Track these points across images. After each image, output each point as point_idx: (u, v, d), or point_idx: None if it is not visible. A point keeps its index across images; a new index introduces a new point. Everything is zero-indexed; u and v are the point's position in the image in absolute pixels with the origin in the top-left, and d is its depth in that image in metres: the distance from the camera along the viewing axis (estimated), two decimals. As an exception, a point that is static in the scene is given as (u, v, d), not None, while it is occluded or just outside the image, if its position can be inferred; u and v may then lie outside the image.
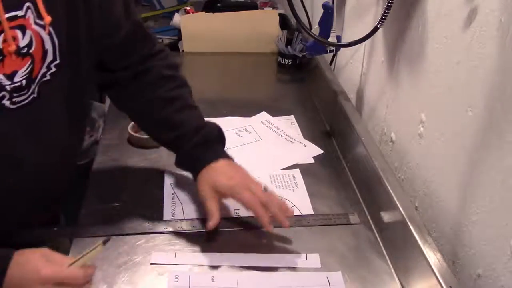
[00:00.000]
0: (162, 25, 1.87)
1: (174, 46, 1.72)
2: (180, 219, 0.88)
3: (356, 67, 1.23)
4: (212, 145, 0.87)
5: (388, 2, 0.88)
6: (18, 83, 0.69)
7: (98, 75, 0.87)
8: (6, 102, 0.69)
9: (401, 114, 0.97)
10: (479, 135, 0.69)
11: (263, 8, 1.81)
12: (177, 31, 1.72)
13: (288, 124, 1.24)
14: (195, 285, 0.74)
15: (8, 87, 0.68)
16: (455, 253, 0.76)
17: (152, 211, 0.90)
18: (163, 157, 1.05)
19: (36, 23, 0.68)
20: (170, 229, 0.85)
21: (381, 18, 0.92)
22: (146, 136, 1.08)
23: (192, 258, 0.79)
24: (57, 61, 0.73)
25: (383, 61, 1.05)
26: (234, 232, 0.86)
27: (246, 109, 1.28)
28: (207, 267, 0.78)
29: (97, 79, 0.89)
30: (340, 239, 0.85)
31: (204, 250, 0.81)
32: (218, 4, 1.73)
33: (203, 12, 1.70)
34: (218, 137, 0.89)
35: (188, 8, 1.74)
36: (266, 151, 1.12)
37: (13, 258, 0.67)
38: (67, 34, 0.74)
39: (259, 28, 1.68)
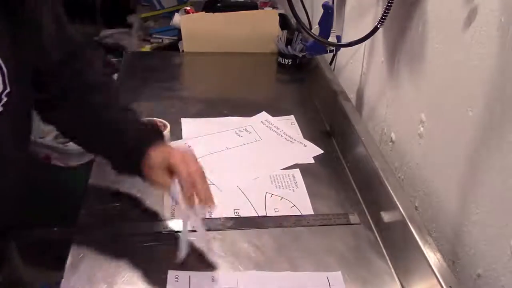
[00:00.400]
0: (162, 25, 1.87)
1: (174, 46, 1.72)
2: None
3: (356, 67, 1.23)
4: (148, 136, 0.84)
5: (388, 2, 0.88)
6: None
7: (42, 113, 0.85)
8: None
9: (401, 114, 0.97)
10: (479, 135, 0.69)
11: (263, 8, 1.81)
12: (177, 31, 1.72)
13: (288, 124, 1.24)
14: (195, 285, 0.74)
15: None
16: (455, 253, 0.76)
17: (152, 210, 0.90)
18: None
19: None
20: (170, 229, 0.85)
21: (381, 18, 0.92)
22: None
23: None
24: (8, 90, 0.70)
25: (383, 61, 1.05)
26: (235, 233, 0.86)
27: (246, 109, 1.28)
28: (207, 267, 0.78)
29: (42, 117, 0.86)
30: (340, 239, 0.85)
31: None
32: (218, 4, 1.73)
33: (203, 12, 1.70)
34: (155, 132, 0.87)
35: (188, 8, 1.73)
36: (266, 151, 1.12)
37: None
38: (13, 59, 0.70)
39: (259, 28, 1.68)
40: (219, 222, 0.87)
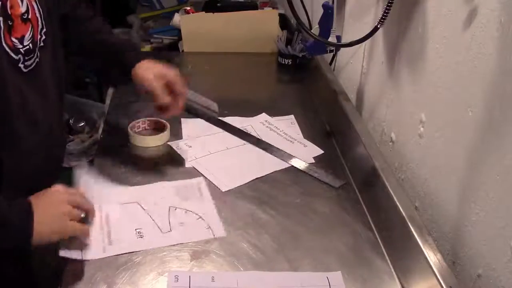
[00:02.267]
0: (162, 25, 1.87)
1: (174, 46, 1.72)
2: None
3: (356, 67, 1.23)
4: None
5: (388, 2, 0.88)
6: (27, 46, 0.79)
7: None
8: (21, 66, 0.78)
9: (401, 114, 0.97)
10: (479, 135, 0.69)
11: (263, 8, 1.81)
12: (177, 31, 1.72)
13: (288, 124, 1.24)
14: (195, 285, 0.74)
15: (22, 50, 0.77)
16: (455, 253, 0.76)
17: (152, 211, 0.90)
18: (163, 157, 1.05)
19: None
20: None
21: (381, 18, 0.92)
22: (146, 136, 1.08)
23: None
24: (44, 29, 0.83)
25: (383, 61, 1.05)
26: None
27: (246, 109, 1.28)
28: (207, 267, 0.78)
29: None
30: (340, 239, 0.85)
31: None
32: (218, 4, 1.73)
33: (203, 12, 1.70)
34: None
35: (188, 8, 1.74)
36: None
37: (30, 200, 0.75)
38: (45, 2, 0.84)
39: (259, 28, 1.68)
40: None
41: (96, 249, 0.79)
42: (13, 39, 0.76)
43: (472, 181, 0.71)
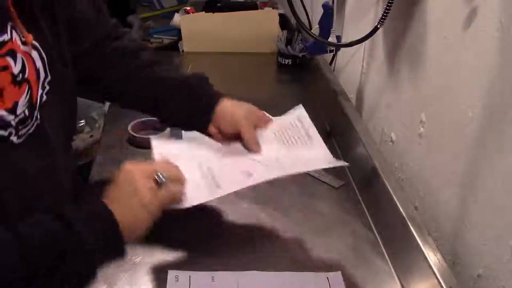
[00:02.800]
0: (162, 25, 1.87)
1: (174, 46, 1.73)
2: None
3: (356, 67, 1.23)
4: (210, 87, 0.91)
5: (388, 2, 0.88)
6: (21, 115, 0.62)
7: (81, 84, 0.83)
8: (14, 139, 0.62)
9: (401, 114, 0.97)
10: (479, 135, 0.69)
11: (263, 8, 1.81)
12: (177, 31, 1.72)
13: (288, 124, 1.24)
14: (195, 285, 0.74)
15: (13, 122, 0.61)
16: (455, 253, 0.76)
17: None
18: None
19: (22, 43, 0.62)
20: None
21: (381, 18, 0.92)
22: (146, 136, 1.08)
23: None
24: (49, 78, 0.68)
25: (383, 61, 1.05)
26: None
27: (246, 109, 1.28)
28: (207, 267, 0.78)
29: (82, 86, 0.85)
30: (340, 239, 0.85)
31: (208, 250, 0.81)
32: (218, 4, 1.74)
33: (203, 12, 1.71)
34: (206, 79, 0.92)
35: (188, 8, 1.74)
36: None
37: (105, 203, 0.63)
38: (52, 44, 0.69)
39: (259, 28, 1.68)
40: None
41: (203, 193, 0.73)
42: (2, 113, 0.59)
43: (472, 181, 0.71)
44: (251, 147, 0.83)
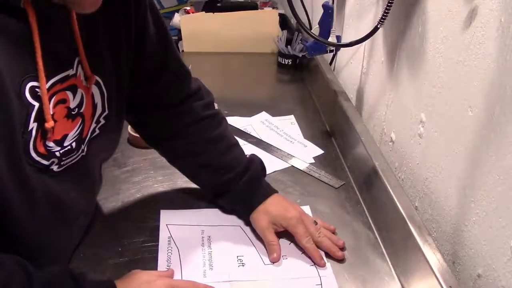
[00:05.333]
0: (162, 25, 1.87)
1: (174, 46, 1.72)
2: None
3: (356, 67, 1.23)
4: (261, 181, 0.88)
5: (388, 2, 0.88)
6: (68, 147, 0.63)
7: (132, 114, 0.84)
8: (55, 167, 0.62)
9: (401, 114, 0.97)
10: (479, 135, 0.69)
11: (263, 8, 1.81)
12: (177, 31, 1.73)
13: (288, 124, 1.24)
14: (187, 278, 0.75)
15: (58, 153, 0.61)
16: (455, 253, 0.76)
17: (152, 209, 0.90)
18: (163, 158, 1.05)
19: (85, 78, 0.64)
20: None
21: (381, 18, 0.92)
22: None
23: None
24: (106, 112, 0.69)
25: (383, 61, 1.05)
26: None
27: (246, 109, 1.28)
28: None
29: (130, 118, 0.87)
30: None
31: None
32: (218, 4, 1.74)
33: (203, 12, 1.71)
34: (263, 170, 0.90)
35: (188, 8, 1.74)
36: (266, 151, 1.12)
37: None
38: (115, 82, 0.70)
39: (259, 28, 1.69)
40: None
41: (196, 272, 0.76)
42: (49, 144, 0.59)
43: (472, 181, 0.71)
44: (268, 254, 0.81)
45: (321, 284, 0.75)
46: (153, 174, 1.00)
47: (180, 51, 1.69)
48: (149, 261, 0.78)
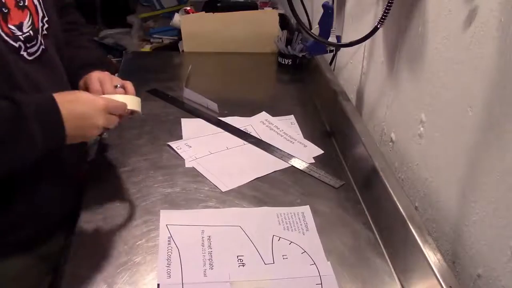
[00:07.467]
0: (162, 25, 1.87)
1: (174, 46, 1.72)
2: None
3: (356, 67, 1.23)
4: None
5: (388, 2, 0.88)
6: (27, 33, 0.78)
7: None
8: (24, 53, 0.78)
9: (401, 114, 0.97)
10: (479, 135, 0.69)
11: (263, 8, 1.81)
12: (177, 31, 1.72)
13: (288, 124, 1.24)
14: (188, 279, 0.75)
15: (21, 37, 0.77)
16: (455, 253, 0.76)
17: (151, 209, 0.90)
18: (163, 158, 1.05)
19: None
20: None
21: (381, 18, 0.92)
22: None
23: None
24: (46, 18, 0.84)
25: (383, 61, 1.05)
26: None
27: (246, 109, 1.28)
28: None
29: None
30: (340, 239, 0.85)
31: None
32: (218, 4, 1.74)
33: (203, 12, 1.70)
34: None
35: (188, 8, 1.74)
36: (266, 151, 1.12)
37: (56, 99, 0.73)
38: None
39: (259, 28, 1.68)
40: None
41: (197, 272, 0.76)
42: (11, 27, 0.76)
43: (472, 181, 0.71)
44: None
45: (321, 284, 0.75)
46: (153, 174, 1.00)
47: (180, 51, 1.69)
48: (149, 261, 0.78)
